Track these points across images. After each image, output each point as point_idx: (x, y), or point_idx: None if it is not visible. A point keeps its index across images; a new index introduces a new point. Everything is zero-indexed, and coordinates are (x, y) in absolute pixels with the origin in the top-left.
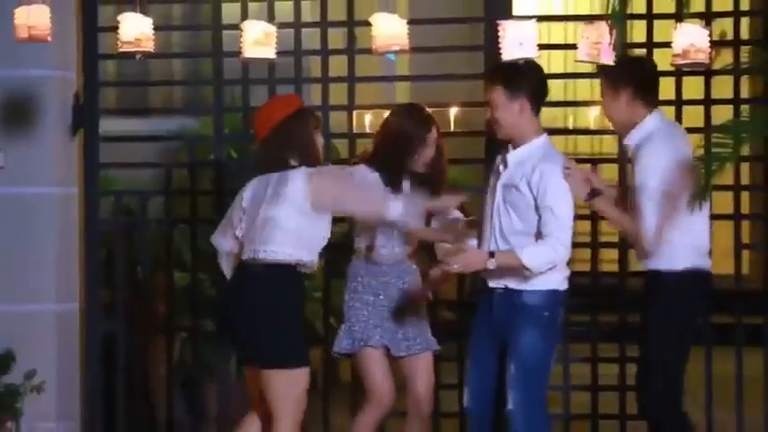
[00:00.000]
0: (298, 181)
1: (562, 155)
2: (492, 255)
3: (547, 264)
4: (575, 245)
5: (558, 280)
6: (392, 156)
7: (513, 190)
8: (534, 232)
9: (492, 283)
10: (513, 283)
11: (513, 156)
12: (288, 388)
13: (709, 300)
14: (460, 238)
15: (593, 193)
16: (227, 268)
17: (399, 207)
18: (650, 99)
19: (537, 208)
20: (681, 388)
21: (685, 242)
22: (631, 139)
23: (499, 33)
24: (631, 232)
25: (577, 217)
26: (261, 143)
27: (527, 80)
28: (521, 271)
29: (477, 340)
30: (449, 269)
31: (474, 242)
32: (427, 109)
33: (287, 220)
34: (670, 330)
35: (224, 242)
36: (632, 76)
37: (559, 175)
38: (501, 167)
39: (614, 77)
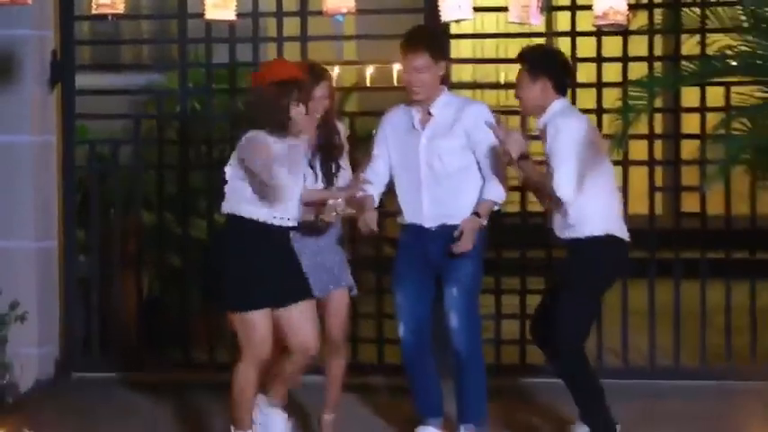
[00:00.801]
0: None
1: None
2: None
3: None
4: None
5: None
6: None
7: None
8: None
9: (428, 224)
10: (451, 221)
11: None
12: (241, 330)
13: (625, 264)
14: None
15: (523, 157)
16: None
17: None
18: (562, 89)
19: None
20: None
21: (600, 211)
22: (541, 121)
23: None
24: (550, 191)
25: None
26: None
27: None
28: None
29: (409, 275)
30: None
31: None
32: (324, 66)
33: (230, 178)
34: (586, 290)
35: None
36: (550, 68)
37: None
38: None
39: (534, 66)
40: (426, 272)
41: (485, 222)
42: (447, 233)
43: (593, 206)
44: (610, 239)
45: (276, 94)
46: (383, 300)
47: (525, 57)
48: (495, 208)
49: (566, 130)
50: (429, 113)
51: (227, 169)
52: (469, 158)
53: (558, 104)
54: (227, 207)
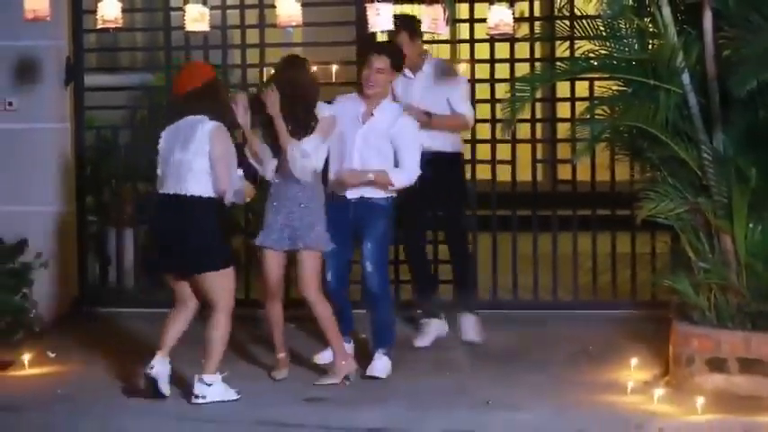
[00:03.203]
0: (206, 132)
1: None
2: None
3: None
4: None
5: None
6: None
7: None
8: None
9: (350, 194)
10: (367, 194)
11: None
12: (223, 283)
13: None
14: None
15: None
16: None
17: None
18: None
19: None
20: None
21: None
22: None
23: (367, 12)
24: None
25: None
26: (182, 97)
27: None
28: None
29: (336, 235)
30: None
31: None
32: None
33: (196, 163)
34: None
35: None
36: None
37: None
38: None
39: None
40: (349, 231)
41: (371, 178)
42: (365, 203)
43: None
44: None
45: (219, 88)
46: None
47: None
48: (391, 188)
49: None
50: (372, 114)
51: (188, 156)
52: (390, 153)
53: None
54: (194, 190)
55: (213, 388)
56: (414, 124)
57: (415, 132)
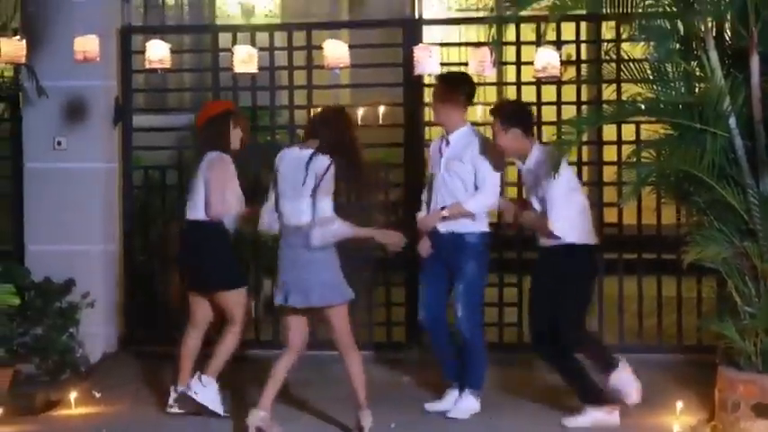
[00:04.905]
0: (206, 161)
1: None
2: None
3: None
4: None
5: (486, 225)
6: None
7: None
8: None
9: (442, 228)
10: (458, 227)
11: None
12: (238, 301)
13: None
14: None
15: (524, 207)
16: None
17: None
18: (531, 134)
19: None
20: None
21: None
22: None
23: (414, 55)
24: (544, 228)
25: None
26: (197, 131)
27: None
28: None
29: (429, 270)
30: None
31: None
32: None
33: (198, 191)
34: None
35: None
36: (520, 119)
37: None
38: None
39: (504, 119)
40: (441, 267)
41: (445, 214)
42: (455, 239)
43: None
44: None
45: (218, 122)
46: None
47: (497, 111)
48: (472, 215)
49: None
50: (448, 142)
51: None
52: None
53: (539, 149)
54: (199, 215)
55: (207, 390)
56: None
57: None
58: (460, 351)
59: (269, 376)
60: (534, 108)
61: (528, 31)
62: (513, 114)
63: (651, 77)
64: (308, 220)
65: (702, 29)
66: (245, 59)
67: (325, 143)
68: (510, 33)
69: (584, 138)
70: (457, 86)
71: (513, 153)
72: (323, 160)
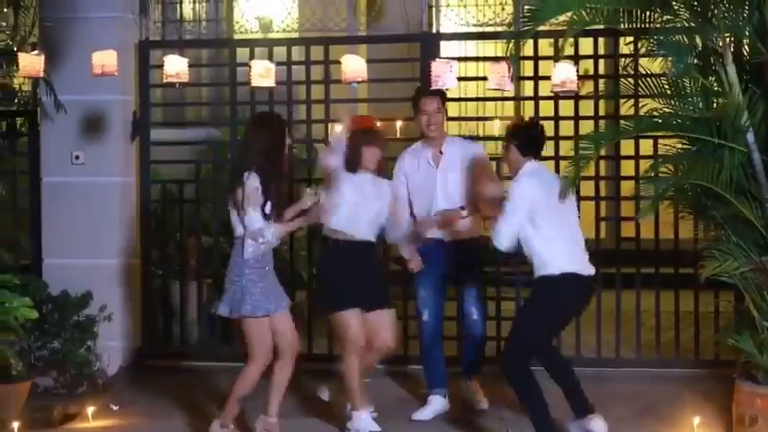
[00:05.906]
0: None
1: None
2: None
3: None
4: None
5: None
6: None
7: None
8: None
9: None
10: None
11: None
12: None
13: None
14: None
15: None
16: None
17: (257, 222)
18: (528, 151)
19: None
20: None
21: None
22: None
23: (432, 69)
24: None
25: None
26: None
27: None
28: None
29: (431, 275)
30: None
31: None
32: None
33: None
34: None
35: None
36: (519, 136)
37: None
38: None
39: (506, 137)
40: (444, 273)
41: (437, 219)
42: (459, 243)
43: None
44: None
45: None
46: None
47: (508, 127)
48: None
49: (514, 187)
50: (441, 152)
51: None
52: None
53: (528, 166)
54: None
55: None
56: (482, 149)
57: (484, 157)
58: (476, 350)
59: (270, 385)
60: (552, 123)
61: (545, 46)
62: (515, 130)
63: (669, 92)
64: (241, 232)
65: (720, 44)
66: (262, 74)
67: (252, 153)
68: (528, 48)
69: (602, 152)
70: (444, 99)
71: (510, 167)
72: (247, 172)
